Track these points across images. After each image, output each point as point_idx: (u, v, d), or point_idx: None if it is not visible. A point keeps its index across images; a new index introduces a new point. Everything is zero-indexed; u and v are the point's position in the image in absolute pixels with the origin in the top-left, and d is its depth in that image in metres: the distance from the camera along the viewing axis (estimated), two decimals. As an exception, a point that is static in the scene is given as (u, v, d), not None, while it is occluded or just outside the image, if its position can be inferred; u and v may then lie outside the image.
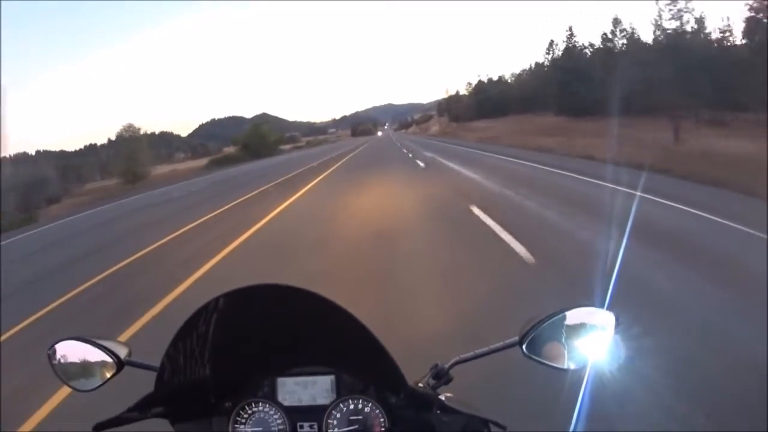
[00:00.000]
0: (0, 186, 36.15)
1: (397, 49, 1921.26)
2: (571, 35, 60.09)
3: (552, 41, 71.64)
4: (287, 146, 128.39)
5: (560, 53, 63.91)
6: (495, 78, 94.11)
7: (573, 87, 48.74)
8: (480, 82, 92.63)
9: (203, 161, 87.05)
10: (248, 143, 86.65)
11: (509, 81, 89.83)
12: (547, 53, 71.52)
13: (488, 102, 79.69)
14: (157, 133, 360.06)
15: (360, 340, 0.96)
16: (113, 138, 68.97)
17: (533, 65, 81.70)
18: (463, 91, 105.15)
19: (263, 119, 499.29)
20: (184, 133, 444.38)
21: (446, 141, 47.73)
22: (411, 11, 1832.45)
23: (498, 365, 1.86)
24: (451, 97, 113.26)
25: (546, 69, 68.79)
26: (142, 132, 65.19)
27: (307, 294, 0.93)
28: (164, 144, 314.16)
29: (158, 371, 1.02)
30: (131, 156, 56.74)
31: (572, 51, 58.48)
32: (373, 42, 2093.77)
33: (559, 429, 2.36)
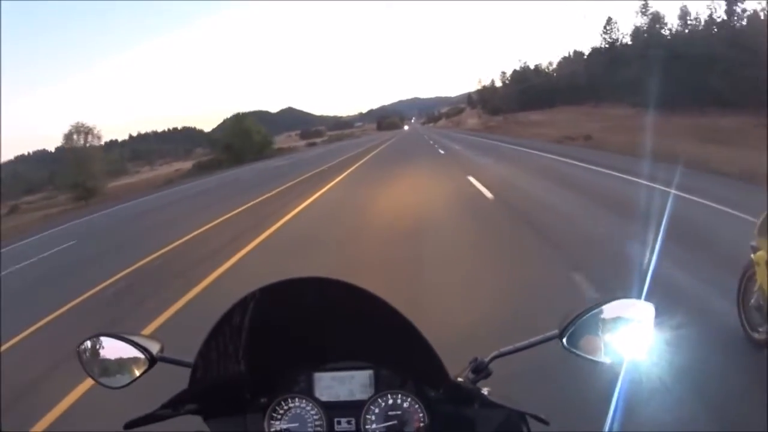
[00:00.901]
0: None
1: (424, 43, 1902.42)
2: (646, 7, 48.41)
3: (610, 18, 59.96)
4: (301, 143, 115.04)
5: (627, 35, 52.65)
6: (531, 67, 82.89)
7: (674, 73, 36.75)
8: (520, 70, 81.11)
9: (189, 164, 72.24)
10: (230, 143, 66.32)
11: (548, 70, 78.85)
12: (605, 32, 59.81)
13: (531, 92, 68.43)
14: (179, 128, 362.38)
15: (401, 334, 0.92)
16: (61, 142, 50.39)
17: (572, 52, 71.09)
18: (498, 82, 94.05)
19: (289, 114, 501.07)
20: (207, 128, 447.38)
21: (502, 139, 31.55)
22: (439, 4, 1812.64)
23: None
24: (485, 88, 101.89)
25: (603, 53, 57.36)
26: (96, 131, 50.69)
27: (346, 286, 0.90)
28: (187, 140, 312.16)
29: (192, 367, 0.98)
30: (81, 165, 44.18)
31: (654, 31, 46.51)
32: (400, 35, 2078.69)
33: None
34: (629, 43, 58.07)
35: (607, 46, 59.37)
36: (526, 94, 68.22)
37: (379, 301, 0.90)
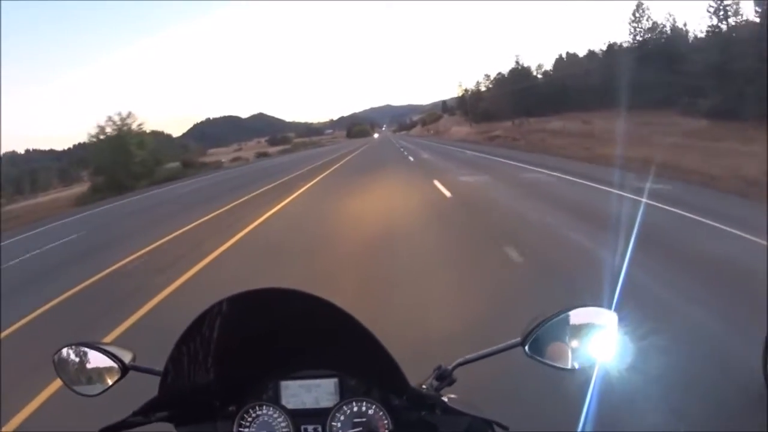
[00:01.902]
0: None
1: (397, 50, 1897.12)
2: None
3: (640, 3, 46.33)
4: (269, 149, 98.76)
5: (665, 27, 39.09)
6: (529, 65, 69.06)
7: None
8: (517, 69, 66.58)
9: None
10: (102, 166, 43.48)
11: (547, 70, 65.32)
12: (635, 21, 46.14)
13: (533, 94, 54.41)
14: (147, 131, 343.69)
15: (362, 343, 0.92)
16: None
17: (579, 51, 57.32)
18: (482, 86, 79.89)
19: (259, 119, 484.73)
20: (177, 133, 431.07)
21: (583, 173, 13.62)
22: (411, 12, 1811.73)
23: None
24: (468, 93, 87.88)
25: (635, 49, 43.84)
26: None
27: (310, 297, 0.90)
28: (157, 143, 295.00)
29: (162, 375, 0.98)
30: None
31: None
32: (372, 43, 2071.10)
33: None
34: (664, 36, 44.71)
35: (637, 40, 45.78)
36: (525, 97, 54.04)
37: (340, 311, 0.90)
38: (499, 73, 78.99)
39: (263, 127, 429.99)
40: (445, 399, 1.00)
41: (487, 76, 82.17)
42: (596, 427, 2.09)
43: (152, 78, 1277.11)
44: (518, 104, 53.82)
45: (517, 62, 67.57)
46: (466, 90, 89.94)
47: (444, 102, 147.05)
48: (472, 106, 74.53)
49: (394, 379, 0.95)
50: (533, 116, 47.28)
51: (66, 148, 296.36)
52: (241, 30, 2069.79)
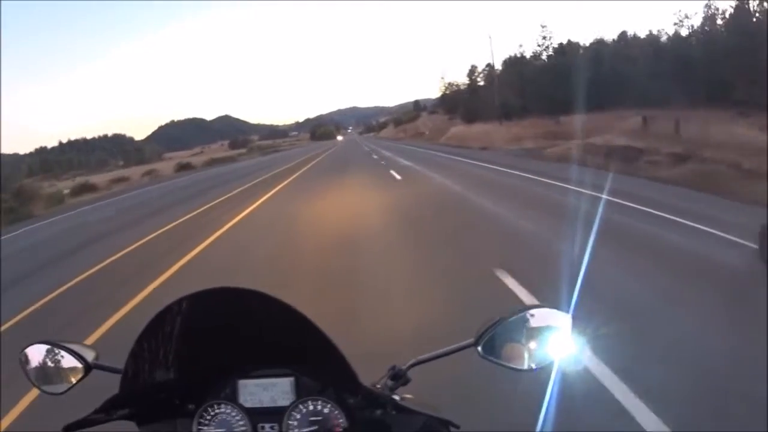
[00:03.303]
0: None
1: (363, 53, 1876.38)
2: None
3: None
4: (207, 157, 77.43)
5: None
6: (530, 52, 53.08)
7: None
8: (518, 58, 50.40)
9: None
10: None
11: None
12: None
13: (532, 88, 38.29)
14: (109, 135, 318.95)
15: (316, 343, 0.92)
16: None
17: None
18: (480, 77, 63.61)
19: (225, 122, 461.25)
20: (139, 136, 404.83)
21: None
22: (377, 14, 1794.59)
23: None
24: (455, 87, 71.65)
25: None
26: None
27: (265, 297, 0.91)
28: (117, 147, 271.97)
29: (123, 373, 0.97)
30: None
31: None
32: (339, 45, 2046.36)
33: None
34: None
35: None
36: (545, 90, 37.77)
37: (293, 311, 0.90)
38: (474, 68, 63.07)
39: (228, 129, 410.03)
40: (397, 398, 1.00)
41: (473, 69, 66.15)
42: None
43: (115, 80, 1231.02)
44: (532, 98, 37.47)
45: (518, 51, 51.57)
46: (450, 84, 73.79)
47: (416, 101, 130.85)
48: (458, 103, 58.16)
49: (346, 378, 0.94)
50: (571, 111, 31.23)
51: (95, 137, 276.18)
52: (208, 31, 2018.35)
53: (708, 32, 33.38)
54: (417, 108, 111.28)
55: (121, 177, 51.79)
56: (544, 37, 47.81)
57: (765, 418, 2.47)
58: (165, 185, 33.49)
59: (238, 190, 19.41)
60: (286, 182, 19.79)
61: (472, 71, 65.87)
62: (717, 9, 33.63)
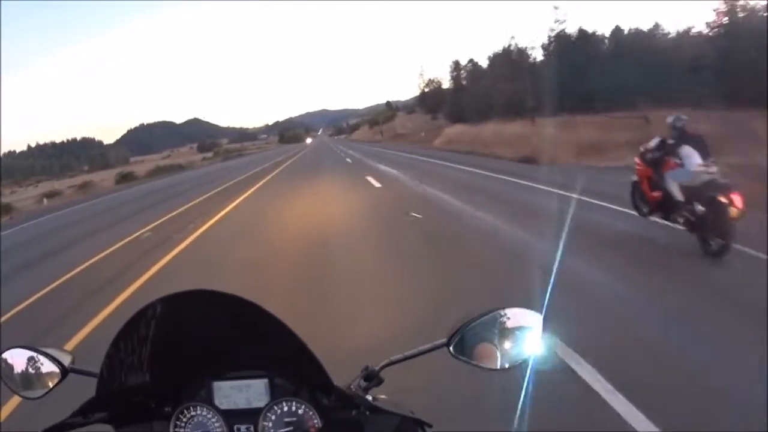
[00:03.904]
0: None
1: (332, 55, 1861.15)
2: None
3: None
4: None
5: None
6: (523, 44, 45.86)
7: None
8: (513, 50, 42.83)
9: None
10: None
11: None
12: None
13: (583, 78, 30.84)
14: (78, 139, 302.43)
15: (288, 345, 0.91)
16: None
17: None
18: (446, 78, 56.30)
19: (194, 125, 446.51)
20: (109, 140, 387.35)
21: None
22: (346, 18, 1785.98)
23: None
24: (435, 84, 64.08)
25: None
26: None
27: (238, 300, 0.89)
28: (84, 151, 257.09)
29: (98, 376, 0.95)
30: None
31: None
32: (308, 47, 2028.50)
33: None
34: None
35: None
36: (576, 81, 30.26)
37: (265, 312, 0.89)
38: (454, 64, 55.63)
39: (198, 132, 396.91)
40: (370, 398, 0.99)
41: (457, 63, 58.62)
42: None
43: (84, 84, 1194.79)
44: (566, 92, 29.93)
45: (510, 42, 44.12)
46: (430, 81, 66.14)
47: (389, 102, 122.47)
48: (429, 103, 50.44)
49: (319, 379, 0.94)
50: (579, 110, 23.95)
51: (64, 140, 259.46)
52: (177, 34, 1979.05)
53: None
54: (390, 108, 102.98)
55: (52, 191, 41.98)
56: (557, 21, 40.44)
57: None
58: (85, 207, 25.45)
59: (162, 220, 12.87)
60: (226, 209, 12.46)
61: (456, 66, 58.53)
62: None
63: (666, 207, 5.99)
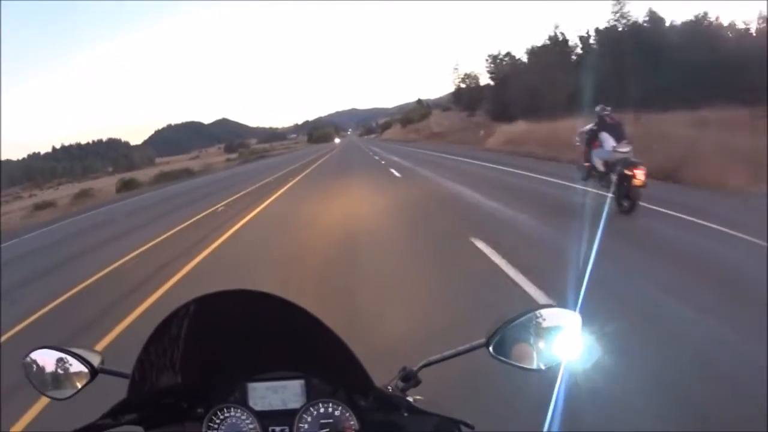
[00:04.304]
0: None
1: (362, 54, 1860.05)
2: None
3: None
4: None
5: None
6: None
7: None
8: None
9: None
10: None
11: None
12: None
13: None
14: (104, 140, 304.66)
15: (327, 344, 0.89)
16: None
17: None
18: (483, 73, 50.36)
19: (223, 125, 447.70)
20: (136, 140, 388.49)
21: None
22: (376, 16, 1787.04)
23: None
24: (472, 78, 58.08)
25: None
26: None
27: (276, 299, 0.87)
28: (111, 152, 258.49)
29: (130, 378, 0.93)
30: None
31: None
32: (337, 47, 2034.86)
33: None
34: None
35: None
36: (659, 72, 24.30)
37: (305, 313, 0.86)
38: (491, 56, 49.84)
39: (226, 132, 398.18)
40: (410, 399, 0.96)
41: (493, 56, 52.56)
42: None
43: (112, 84, 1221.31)
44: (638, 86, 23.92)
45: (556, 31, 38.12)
46: (467, 76, 60.23)
47: (419, 100, 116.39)
48: (498, 95, 44.46)
49: (359, 380, 0.91)
50: (653, 107, 18.01)
51: (89, 141, 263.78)
52: (207, 34, 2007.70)
53: None
54: (422, 105, 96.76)
55: (45, 202, 36.83)
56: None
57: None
58: (66, 225, 21.32)
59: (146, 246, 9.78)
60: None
61: (494, 60, 52.69)
62: None
63: (594, 176, 8.00)
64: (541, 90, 36.25)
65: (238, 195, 17.65)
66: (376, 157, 29.96)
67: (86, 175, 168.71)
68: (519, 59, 50.97)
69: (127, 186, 37.84)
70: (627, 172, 6.64)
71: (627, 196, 6.78)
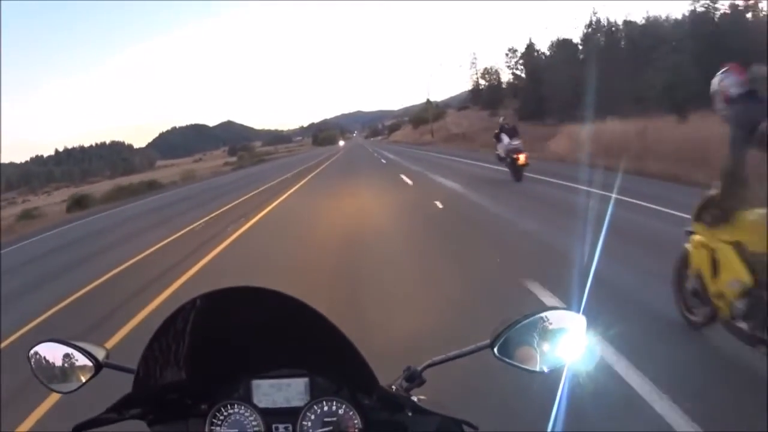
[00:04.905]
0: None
1: (368, 57, 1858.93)
2: None
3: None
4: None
5: None
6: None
7: None
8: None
9: None
10: None
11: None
12: None
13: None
14: (107, 143, 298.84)
15: (332, 343, 0.89)
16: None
17: None
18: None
19: (227, 127, 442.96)
20: (140, 143, 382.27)
21: None
22: (381, 18, 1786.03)
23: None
24: (492, 73, 52.30)
25: None
26: None
27: (281, 296, 0.87)
28: (114, 155, 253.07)
29: (135, 373, 0.94)
30: None
31: None
32: (343, 49, 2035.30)
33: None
34: None
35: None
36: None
37: (311, 310, 0.86)
38: (511, 50, 44.48)
39: (231, 135, 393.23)
40: (415, 399, 0.96)
41: (513, 50, 46.76)
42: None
43: (115, 86, 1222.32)
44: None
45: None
46: (487, 71, 54.41)
47: (428, 100, 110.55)
48: (529, 91, 38.62)
49: (363, 378, 0.91)
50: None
51: (92, 144, 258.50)
52: (210, 37, 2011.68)
53: None
54: (432, 105, 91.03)
55: None
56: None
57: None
58: None
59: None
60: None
61: (524, 53, 46.98)
62: None
63: (500, 160, 12.92)
64: (600, 85, 29.81)
65: (198, 223, 11.79)
66: (391, 167, 24.29)
67: (85, 179, 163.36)
68: (541, 54, 45.49)
69: (79, 204, 30.67)
70: (513, 156, 11.84)
71: (515, 171, 11.94)
